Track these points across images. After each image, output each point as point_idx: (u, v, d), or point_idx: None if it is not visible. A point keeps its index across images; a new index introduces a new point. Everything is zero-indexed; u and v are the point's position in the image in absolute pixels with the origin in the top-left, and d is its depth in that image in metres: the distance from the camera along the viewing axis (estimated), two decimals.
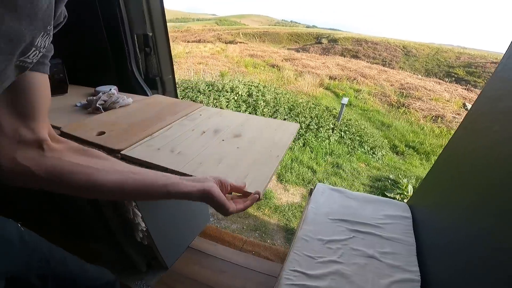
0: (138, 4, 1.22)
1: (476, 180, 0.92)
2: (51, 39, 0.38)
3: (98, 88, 1.24)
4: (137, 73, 1.37)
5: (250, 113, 4.95)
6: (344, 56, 18.15)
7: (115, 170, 0.46)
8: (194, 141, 0.85)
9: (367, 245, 1.16)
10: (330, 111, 5.76)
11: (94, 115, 1.02)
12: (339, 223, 1.28)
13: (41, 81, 0.41)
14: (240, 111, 4.82)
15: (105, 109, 1.05)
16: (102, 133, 0.87)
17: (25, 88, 0.39)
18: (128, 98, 1.11)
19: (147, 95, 1.35)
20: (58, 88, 1.29)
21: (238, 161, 0.75)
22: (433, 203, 1.26)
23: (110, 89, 1.13)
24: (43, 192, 1.32)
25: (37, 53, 0.37)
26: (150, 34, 1.31)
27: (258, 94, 5.46)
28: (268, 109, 5.14)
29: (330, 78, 10.38)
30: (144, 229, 1.11)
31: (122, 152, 0.79)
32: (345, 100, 5.50)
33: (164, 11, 1.32)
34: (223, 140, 0.85)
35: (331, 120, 5.36)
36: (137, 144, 0.82)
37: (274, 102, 5.40)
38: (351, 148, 4.81)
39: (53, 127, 0.95)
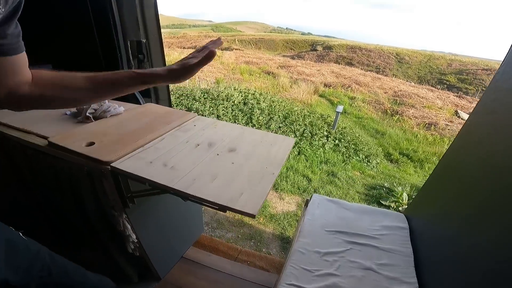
0: (131, 10, 1.20)
1: (475, 191, 0.91)
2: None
3: None
4: None
5: (246, 121, 4.94)
6: (339, 63, 18.38)
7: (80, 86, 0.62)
8: (188, 154, 0.82)
9: (364, 257, 1.15)
10: (324, 119, 5.78)
11: (84, 124, 0.99)
12: (335, 235, 1.26)
13: (23, 58, 0.55)
14: (236, 120, 4.81)
15: (96, 118, 1.02)
16: (91, 143, 0.84)
17: (16, 65, 0.54)
18: (119, 107, 1.09)
19: (140, 104, 1.32)
20: None
21: (233, 178, 0.74)
22: (431, 213, 1.26)
23: (105, 102, 1.10)
24: (35, 204, 1.28)
25: None
26: (144, 40, 1.29)
27: (253, 102, 5.46)
28: (263, 117, 5.14)
29: (325, 85, 10.45)
30: (135, 240, 1.08)
31: (112, 164, 0.76)
32: (339, 108, 5.53)
33: (158, 18, 1.31)
34: (217, 154, 0.83)
35: (325, 128, 5.38)
36: (128, 156, 0.80)
37: (269, 110, 5.41)
38: (346, 156, 4.83)
39: (41, 136, 0.92)
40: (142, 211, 1.08)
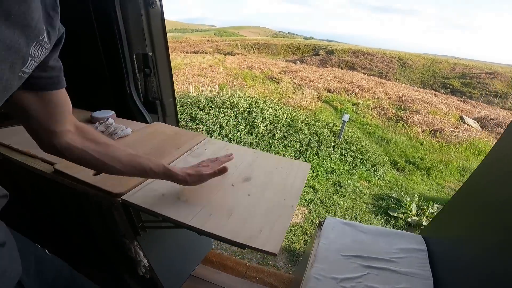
0: (137, 22, 1.15)
1: (507, 214, 0.86)
2: (47, 51, 0.44)
3: (95, 114, 1.17)
4: (136, 97, 1.30)
5: (249, 130, 4.87)
6: (341, 68, 18.39)
7: (114, 158, 0.63)
8: (201, 185, 0.78)
9: (383, 281, 1.10)
10: (330, 128, 5.72)
11: None
12: (352, 260, 1.21)
13: (62, 95, 0.54)
14: (239, 129, 4.75)
15: None
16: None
17: (53, 103, 0.53)
18: (126, 128, 1.04)
19: (147, 121, 1.28)
20: None
21: (250, 213, 0.70)
22: (453, 235, 1.21)
23: (107, 119, 1.05)
24: (49, 224, 1.24)
25: (33, 63, 0.42)
26: (150, 53, 1.24)
27: (257, 110, 5.41)
28: (266, 126, 5.08)
29: (328, 91, 10.42)
30: (147, 264, 1.06)
31: (123, 197, 0.71)
32: (346, 117, 5.46)
33: (165, 30, 1.26)
34: (232, 185, 0.79)
35: (331, 138, 5.31)
36: (139, 187, 0.75)
37: (272, 118, 5.35)
38: (352, 166, 4.76)
39: (46, 162, 0.88)
40: (153, 236, 1.04)
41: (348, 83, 11.94)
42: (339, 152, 5.00)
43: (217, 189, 0.77)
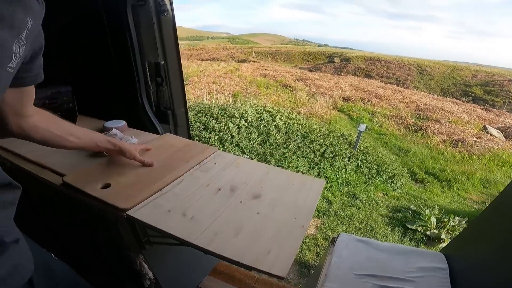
0: (149, 30, 1.15)
1: None
2: (23, 47, 0.48)
3: (107, 124, 1.17)
4: (147, 106, 1.29)
5: (262, 140, 4.84)
6: (357, 76, 18.12)
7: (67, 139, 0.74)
8: (209, 201, 0.76)
9: None
10: (345, 138, 5.59)
11: (99, 158, 0.95)
12: (366, 279, 1.15)
13: (31, 90, 0.62)
14: (251, 138, 4.74)
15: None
16: (107, 185, 0.79)
17: (27, 93, 0.61)
18: (132, 138, 1.04)
19: (158, 132, 1.28)
20: (66, 118, 1.24)
21: (259, 232, 0.67)
22: (480, 255, 1.12)
23: (112, 129, 1.05)
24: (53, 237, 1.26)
25: (16, 59, 0.47)
26: (162, 62, 1.24)
27: (270, 119, 5.36)
28: (281, 136, 5.01)
29: (344, 99, 10.24)
30: (152, 277, 1.05)
31: (128, 213, 0.70)
32: (362, 127, 5.32)
33: (177, 38, 1.25)
34: (241, 202, 0.76)
35: (347, 148, 5.18)
36: (144, 202, 0.74)
37: (286, 128, 5.29)
38: (368, 177, 4.63)
39: (56, 173, 0.88)
40: (158, 250, 1.03)
41: (364, 91, 11.72)
42: (355, 163, 4.88)
43: (224, 206, 0.75)
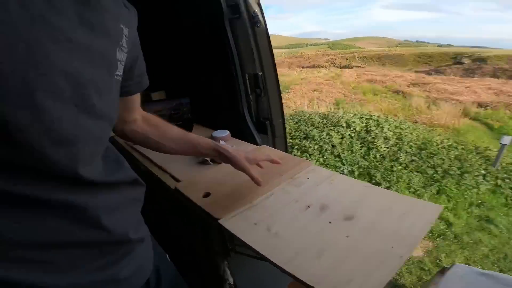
0: (246, 42, 1.17)
1: None
2: (126, 54, 0.48)
3: (214, 134, 1.28)
4: (248, 117, 1.34)
5: (365, 152, 4.39)
6: (498, 78, 14.33)
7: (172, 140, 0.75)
8: (295, 218, 0.70)
9: None
10: (480, 152, 4.50)
11: (204, 168, 1.04)
12: None
13: (135, 98, 0.65)
14: (353, 149, 4.38)
15: (213, 161, 1.06)
16: (207, 194, 0.85)
17: (131, 100, 0.63)
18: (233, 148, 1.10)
19: (257, 143, 1.31)
20: (185, 127, 1.43)
21: (343, 258, 0.58)
22: None
23: (219, 141, 1.13)
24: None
25: (121, 66, 0.47)
26: (260, 73, 1.26)
27: (376, 129, 4.83)
28: (388, 148, 4.44)
29: (479, 105, 8.28)
30: (232, 283, 1.09)
31: (219, 221, 0.73)
32: (506, 140, 4.13)
33: (271, 49, 1.23)
34: (330, 222, 0.67)
35: (481, 164, 4.21)
36: (235, 212, 0.75)
37: (397, 138, 4.65)
38: (510, 199, 3.69)
39: (174, 178, 1.03)
40: (241, 258, 1.05)
41: (509, 95, 9.14)
42: (493, 182, 3.95)
43: (311, 225, 0.68)
